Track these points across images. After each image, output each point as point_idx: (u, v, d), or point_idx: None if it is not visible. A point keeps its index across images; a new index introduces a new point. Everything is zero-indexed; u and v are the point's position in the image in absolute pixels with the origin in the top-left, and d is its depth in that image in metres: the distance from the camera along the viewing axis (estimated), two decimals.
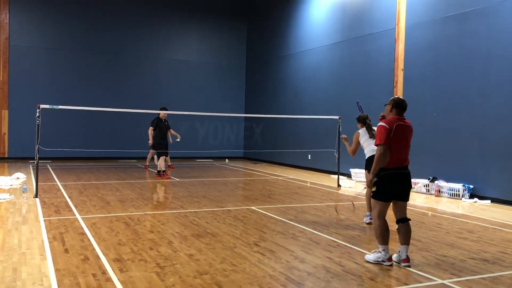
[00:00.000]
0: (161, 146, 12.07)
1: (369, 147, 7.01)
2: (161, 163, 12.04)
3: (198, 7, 18.86)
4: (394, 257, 4.86)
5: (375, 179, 4.77)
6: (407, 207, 5.14)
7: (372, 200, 4.91)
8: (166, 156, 12.61)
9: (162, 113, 11.89)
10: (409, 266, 4.71)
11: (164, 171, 12.06)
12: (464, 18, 10.07)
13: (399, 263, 4.78)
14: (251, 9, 19.71)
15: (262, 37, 18.82)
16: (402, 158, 4.74)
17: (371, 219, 6.62)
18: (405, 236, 4.80)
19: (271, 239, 5.79)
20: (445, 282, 4.32)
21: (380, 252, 4.79)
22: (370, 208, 6.68)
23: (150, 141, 12.33)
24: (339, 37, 14.13)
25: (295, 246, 5.47)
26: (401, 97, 5.08)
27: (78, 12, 16.86)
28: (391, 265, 4.74)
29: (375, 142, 4.76)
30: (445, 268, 4.74)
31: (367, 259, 4.88)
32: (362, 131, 7.27)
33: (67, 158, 16.03)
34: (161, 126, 12.17)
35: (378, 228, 4.78)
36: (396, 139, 4.67)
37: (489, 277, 4.52)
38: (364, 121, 7.36)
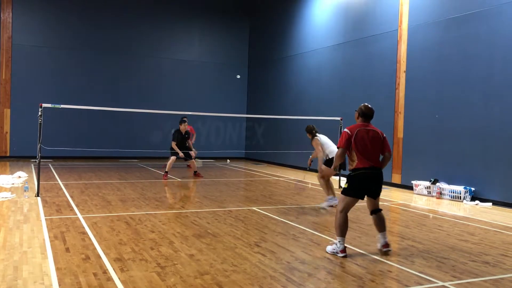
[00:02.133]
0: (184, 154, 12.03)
1: (329, 149, 8.49)
2: (169, 163, 12.01)
3: (201, 7, 18.88)
4: (378, 245, 5.35)
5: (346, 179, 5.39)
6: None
7: (340, 195, 5.32)
8: (191, 158, 12.36)
9: (182, 126, 12.03)
10: (389, 251, 5.24)
11: (166, 172, 11.98)
12: (466, 21, 10.06)
13: (381, 249, 5.25)
14: (254, 9, 19.71)
15: (264, 37, 18.82)
16: (369, 159, 5.18)
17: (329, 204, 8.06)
18: (380, 224, 5.33)
19: (272, 239, 5.79)
20: (446, 284, 4.31)
21: (336, 244, 5.19)
22: (328, 192, 8.23)
23: (181, 154, 11.91)
24: (341, 38, 14.13)
25: (295, 247, 5.47)
26: (368, 105, 5.60)
27: (81, 12, 16.89)
28: (344, 257, 5.05)
29: (338, 144, 5.45)
30: (446, 270, 4.74)
31: (327, 250, 5.26)
32: (322, 137, 8.85)
33: (68, 157, 16.05)
34: (180, 138, 12.11)
35: (338, 220, 5.20)
36: (359, 144, 5.20)
37: (490, 279, 4.52)
38: (311, 131, 9.03)
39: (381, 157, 5.35)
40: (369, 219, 7.33)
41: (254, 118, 18.60)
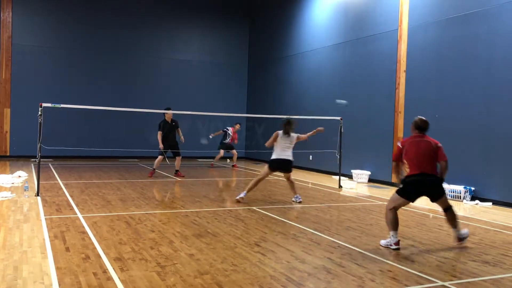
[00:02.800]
0: (169, 147, 11.98)
1: (276, 150, 8.59)
2: (157, 161, 12.05)
3: (201, 6, 18.87)
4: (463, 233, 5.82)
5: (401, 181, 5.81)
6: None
7: (394, 194, 5.75)
8: (179, 155, 12.37)
9: (167, 114, 11.79)
10: (462, 244, 5.75)
11: (154, 169, 12.08)
12: (466, 20, 10.06)
13: (461, 242, 5.77)
14: (254, 9, 19.71)
15: (264, 37, 18.82)
16: (419, 168, 5.61)
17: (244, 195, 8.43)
18: (451, 220, 5.79)
19: (272, 239, 5.79)
20: (446, 284, 4.31)
21: (390, 238, 5.58)
22: (249, 188, 8.59)
23: (161, 146, 11.87)
24: (341, 38, 14.12)
25: (295, 247, 5.47)
26: (423, 117, 5.91)
27: (81, 12, 16.89)
28: (397, 249, 5.42)
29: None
30: (446, 270, 4.74)
31: (381, 244, 5.66)
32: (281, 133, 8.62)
33: (68, 157, 16.05)
34: (167, 128, 12.01)
35: (388, 217, 5.65)
36: (409, 154, 5.70)
37: (490, 279, 4.52)
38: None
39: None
40: (369, 219, 7.35)
41: (254, 118, 18.59)
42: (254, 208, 7.97)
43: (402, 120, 11.59)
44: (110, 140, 16.75)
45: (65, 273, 4.22)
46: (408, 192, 5.65)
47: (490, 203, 9.19)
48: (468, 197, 9.52)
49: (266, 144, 8.72)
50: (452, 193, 9.79)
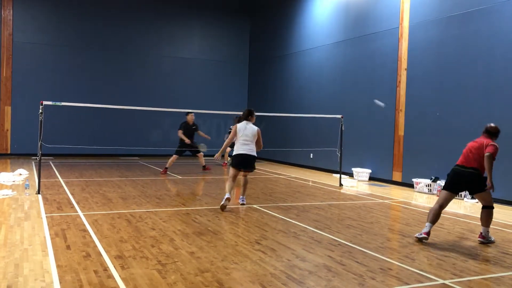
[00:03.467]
0: (185, 146, 12.60)
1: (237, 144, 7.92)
2: (171, 160, 12.55)
3: (201, 4, 18.86)
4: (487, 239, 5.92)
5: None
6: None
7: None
8: (198, 152, 13.22)
9: (189, 116, 12.74)
10: (482, 242, 5.84)
11: (166, 168, 12.50)
12: (468, 18, 10.04)
13: (489, 243, 5.84)
14: (254, 7, 19.69)
15: (265, 35, 18.80)
16: (462, 159, 6.03)
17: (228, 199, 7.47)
18: (483, 219, 5.91)
19: (272, 237, 5.79)
20: (446, 282, 4.32)
21: (425, 228, 5.84)
22: (230, 190, 7.67)
23: (187, 140, 12.53)
24: (342, 36, 14.11)
25: (296, 245, 5.47)
26: (492, 124, 6.38)
27: (82, 9, 16.88)
28: (422, 238, 5.73)
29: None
30: (447, 268, 4.74)
31: (416, 235, 5.89)
32: (241, 125, 7.97)
33: (69, 155, 16.06)
34: (187, 130, 12.75)
35: (432, 209, 5.92)
36: (465, 150, 6.18)
37: (491, 277, 4.52)
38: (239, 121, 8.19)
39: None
40: (370, 217, 7.35)
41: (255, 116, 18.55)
42: (254, 206, 7.97)
43: (403, 118, 11.58)
44: (111, 138, 16.76)
45: (66, 271, 4.22)
46: (447, 182, 6.11)
47: None
48: (469, 195, 9.51)
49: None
50: None
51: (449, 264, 4.90)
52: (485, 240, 5.86)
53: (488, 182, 5.92)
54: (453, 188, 5.98)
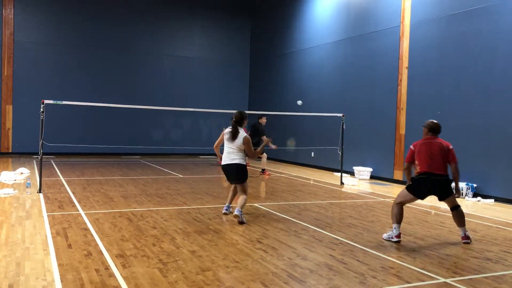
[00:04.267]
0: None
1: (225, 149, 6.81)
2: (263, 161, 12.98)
3: (202, 3, 18.84)
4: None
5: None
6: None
7: (404, 190, 5.90)
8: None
9: (262, 119, 12.99)
10: (468, 243, 5.72)
11: (263, 169, 12.91)
12: (469, 16, 10.02)
13: (467, 243, 5.73)
14: (255, 5, 19.67)
15: (266, 34, 18.79)
16: (428, 167, 5.72)
17: (226, 210, 6.95)
18: (458, 219, 5.81)
19: (273, 236, 5.79)
20: (448, 280, 4.31)
21: (392, 230, 5.78)
22: (230, 201, 7.10)
23: (272, 146, 12.14)
24: (343, 35, 14.09)
25: (297, 244, 5.47)
26: (434, 120, 6.07)
27: (83, 9, 16.88)
28: (398, 242, 5.64)
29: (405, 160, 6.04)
30: (448, 267, 4.74)
31: (383, 237, 5.84)
32: (227, 131, 6.81)
33: (70, 154, 16.06)
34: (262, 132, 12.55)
35: (394, 210, 5.83)
36: (421, 155, 5.81)
37: (492, 276, 4.51)
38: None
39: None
40: (371, 216, 7.35)
41: (256, 115, 18.55)
42: (255, 204, 7.97)
43: (404, 117, 11.57)
44: (112, 137, 16.77)
45: (67, 270, 4.23)
46: (417, 189, 5.80)
47: (492, 200, 9.18)
48: (470, 194, 9.50)
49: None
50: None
51: (450, 263, 4.89)
52: (470, 240, 5.78)
53: (457, 188, 5.92)
54: (422, 195, 5.84)
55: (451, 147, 5.90)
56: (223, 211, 7.04)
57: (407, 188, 5.88)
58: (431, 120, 6.07)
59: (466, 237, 5.78)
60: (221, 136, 7.03)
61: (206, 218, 6.73)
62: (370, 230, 6.36)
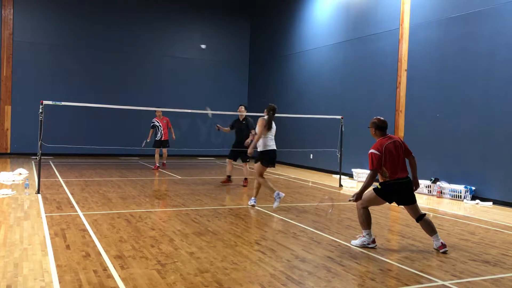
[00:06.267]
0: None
1: (266, 140, 8.05)
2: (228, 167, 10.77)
3: (202, 4, 18.86)
4: (434, 246, 5.45)
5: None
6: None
7: (371, 193, 5.53)
8: (244, 161, 10.90)
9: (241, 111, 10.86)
10: (446, 252, 5.34)
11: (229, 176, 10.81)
12: (468, 19, 10.04)
13: (438, 250, 5.38)
14: (255, 7, 19.69)
15: (265, 35, 18.80)
16: (400, 171, 5.41)
17: (255, 202, 7.89)
18: (428, 228, 5.45)
19: (272, 238, 5.79)
20: (446, 283, 4.31)
21: (365, 236, 5.47)
22: (256, 194, 7.99)
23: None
24: (342, 37, 14.11)
25: (296, 245, 5.47)
26: (380, 117, 5.63)
27: (82, 9, 16.88)
28: (375, 247, 5.42)
29: (369, 167, 5.45)
30: (446, 270, 4.74)
31: (354, 244, 5.51)
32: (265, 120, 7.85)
33: (69, 155, 16.05)
34: (238, 128, 10.88)
35: (362, 215, 5.51)
36: (389, 160, 5.36)
37: (490, 279, 4.51)
38: (269, 112, 8.17)
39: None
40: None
41: (255, 116, 18.55)
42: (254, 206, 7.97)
43: (403, 119, 11.58)
44: (111, 138, 16.75)
45: (66, 271, 4.22)
46: (390, 195, 5.42)
47: (491, 203, 9.19)
48: (469, 196, 9.51)
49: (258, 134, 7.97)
50: (453, 193, 9.78)
51: (449, 265, 4.89)
52: (446, 248, 5.39)
53: (416, 181, 5.53)
54: (391, 200, 5.45)
55: (402, 140, 5.61)
56: (251, 204, 7.91)
57: (377, 192, 5.46)
58: (377, 118, 5.59)
59: (443, 246, 5.37)
60: (262, 126, 7.87)
61: (205, 219, 6.73)
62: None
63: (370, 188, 5.49)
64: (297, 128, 16.16)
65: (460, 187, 9.65)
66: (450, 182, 10.10)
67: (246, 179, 10.85)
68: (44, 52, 16.34)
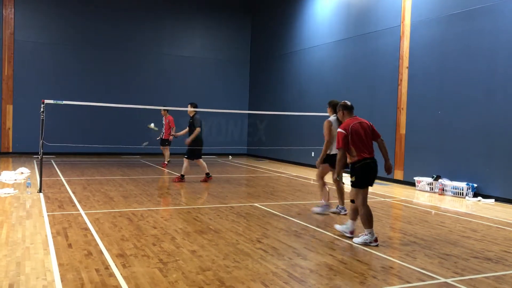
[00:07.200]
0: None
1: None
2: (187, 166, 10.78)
3: (203, 3, 18.84)
4: (358, 239, 5.58)
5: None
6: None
7: (353, 189, 5.67)
8: (193, 159, 10.79)
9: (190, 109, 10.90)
10: (377, 245, 5.46)
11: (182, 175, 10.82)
12: (470, 16, 10.01)
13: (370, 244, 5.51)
14: (256, 5, 19.67)
15: (266, 33, 18.78)
16: (367, 150, 5.64)
17: (345, 210, 7.21)
18: (368, 219, 5.57)
19: (273, 236, 5.79)
20: (448, 280, 4.31)
21: (367, 235, 5.50)
22: (325, 198, 7.38)
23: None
24: (343, 34, 14.09)
25: (297, 243, 5.47)
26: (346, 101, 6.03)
27: (83, 8, 16.88)
28: (377, 246, 5.43)
29: (336, 146, 5.67)
30: (448, 267, 4.74)
31: (356, 242, 5.53)
32: (333, 120, 7.22)
33: (71, 154, 16.07)
34: (188, 126, 10.89)
35: (364, 214, 5.53)
36: (356, 138, 5.60)
37: (492, 276, 4.51)
38: (335, 108, 6.89)
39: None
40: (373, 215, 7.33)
41: (256, 115, 18.59)
42: (256, 204, 7.97)
43: (404, 117, 11.56)
44: (113, 136, 16.77)
45: (68, 270, 4.23)
46: (366, 179, 5.61)
47: (493, 200, 9.18)
48: (471, 193, 9.50)
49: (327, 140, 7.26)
50: (455, 190, 9.77)
51: (451, 263, 4.89)
52: (353, 235, 5.68)
53: (389, 165, 5.81)
54: (368, 183, 5.64)
55: (371, 123, 5.87)
56: (343, 213, 7.30)
57: (355, 185, 5.58)
58: (343, 101, 6.03)
59: (352, 232, 5.72)
60: (328, 128, 7.11)
61: (206, 217, 6.73)
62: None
63: (349, 186, 5.80)
64: (298, 125, 16.15)
65: (462, 184, 9.64)
66: (452, 179, 10.09)
67: (208, 174, 10.94)
68: (45, 51, 16.35)
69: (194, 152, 10.65)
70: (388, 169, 5.77)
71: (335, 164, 6.10)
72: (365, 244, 5.48)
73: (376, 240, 5.50)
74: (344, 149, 5.59)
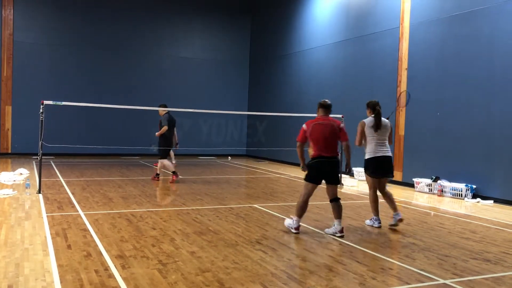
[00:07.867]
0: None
1: (370, 145, 6.76)
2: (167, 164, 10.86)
3: (202, 4, 18.86)
4: (330, 230, 5.99)
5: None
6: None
7: (304, 182, 6.02)
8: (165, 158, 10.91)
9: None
10: (342, 236, 5.81)
11: (158, 174, 11.02)
12: (468, 18, 10.03)
13: (334, 235, 5.86)
14: (255, 6, 19.69)
15: (265, 34, 18.80)
16: (325, 149, 5.88)
17: (379, 223, 6.58)
18: (338, 211, 5.93)
19: (273, 237, 5.79)
20: (447, 282, 4.31)
21: (293, 221, 6.00)
22: (376, 212, 6.63)
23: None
24: (343, 36, 14.10)
25: (297, 244, 5.47)
26: (325, 99, 6.24)
27: (82, 9, 16.88)
28: (297, 233, 5.90)
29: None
30: (447, 268, 4.74)
31: (285, 224, 6.13)
32: (369, 121, 6.69)
33: (70, 154, 16.06)
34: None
35: (299, 203, 5.97)
36: (314, 136, 5.90)
37: (491, 277, 4.51)
38: (374, 108, 6.57)
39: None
40: (370, 217, 7.33)
41: (256, 116, 18.59)
42: (255, 205, 7.97)
43: (403, 118, 11.57)
44: (112, 137, 16.76)
45: (67, 271, 4.22)
46: (313, 175, 5.91)
47: (492, 201, 9.19)
48: (470, 195, 9.51)
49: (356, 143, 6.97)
50: (454, 191, 9.78)
51: (450, 264, 4.89)
52: (344, 233, 5.90)
53: (348, 167, 6.22)
54: (319, 180, 5.93)
55: (342, 125, 6.05)
56: (395, 222, 6.38)
57: (305, 178, 5.98)
58: (322, 99, 6.23)
59: (341, 231, 5.89)
60: (361, 129, 6.71)
61: (206, 219, 6.73)
62: (370, 231, 6.35)
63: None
64: (298, 126, 16.09)
65: (461, 186, 9.65)
66: (451, 180, 10.10)
67: (158, 175, 11.06)
68: (44, 52, 16.34)
69: (165, 152, 10.93)
70: (346, 168, 6.27)
71: (380, 172, 6.59)
72: (288, 227, 6.00)
73: (297, 229, 5.90)
74: (301, 144, 6.06)
